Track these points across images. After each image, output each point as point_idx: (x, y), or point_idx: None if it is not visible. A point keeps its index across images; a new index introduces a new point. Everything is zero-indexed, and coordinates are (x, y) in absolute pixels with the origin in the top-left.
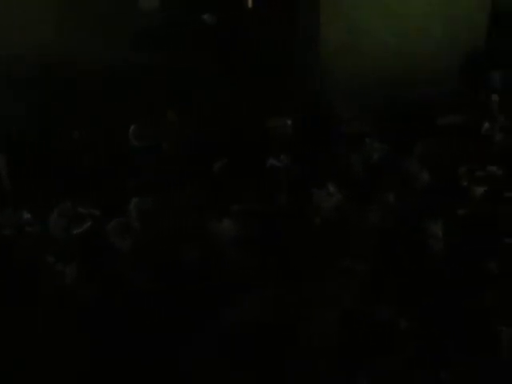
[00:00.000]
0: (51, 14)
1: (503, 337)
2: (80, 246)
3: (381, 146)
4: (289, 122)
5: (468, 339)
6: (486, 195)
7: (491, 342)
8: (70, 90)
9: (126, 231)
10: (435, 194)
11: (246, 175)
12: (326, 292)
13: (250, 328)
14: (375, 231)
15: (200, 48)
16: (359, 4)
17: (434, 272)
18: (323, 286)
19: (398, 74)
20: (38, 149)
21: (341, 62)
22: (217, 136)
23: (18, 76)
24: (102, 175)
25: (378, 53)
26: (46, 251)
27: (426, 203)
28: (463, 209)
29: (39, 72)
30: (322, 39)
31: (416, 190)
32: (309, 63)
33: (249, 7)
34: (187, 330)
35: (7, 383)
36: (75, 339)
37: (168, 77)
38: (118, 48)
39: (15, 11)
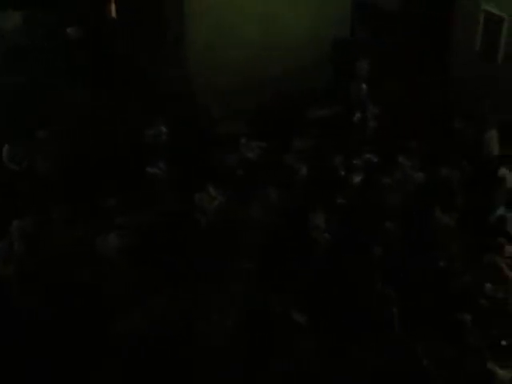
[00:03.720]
0: None
1: (395, 317)
2: None
3: (257, 145)
4: (164, 129)
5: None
6: (364, 182)
7: (384, 323)
8: None
9: (9, 255)
10: (315, 187)
11: (126, 186)
12: (218, 293)
13: (145, 337)
14: (260, 229)
15: (67, 62)
16: (223, 5)
17: (321, 262)
18: (215, 287)
19: (267, 72)
20: None
21: (209, 63)
22: (92, 150)
23: None
24: None
25: (246, 51)
26: None
27: (307, 196)
28: (343, 198)
29: None
30: (188, 42)
31: (296, 185)
32: (177, 67)
33: (112, 17)
34: (83, 348)
35: None
36: None
37: (36, 95)
38: None
39: None
